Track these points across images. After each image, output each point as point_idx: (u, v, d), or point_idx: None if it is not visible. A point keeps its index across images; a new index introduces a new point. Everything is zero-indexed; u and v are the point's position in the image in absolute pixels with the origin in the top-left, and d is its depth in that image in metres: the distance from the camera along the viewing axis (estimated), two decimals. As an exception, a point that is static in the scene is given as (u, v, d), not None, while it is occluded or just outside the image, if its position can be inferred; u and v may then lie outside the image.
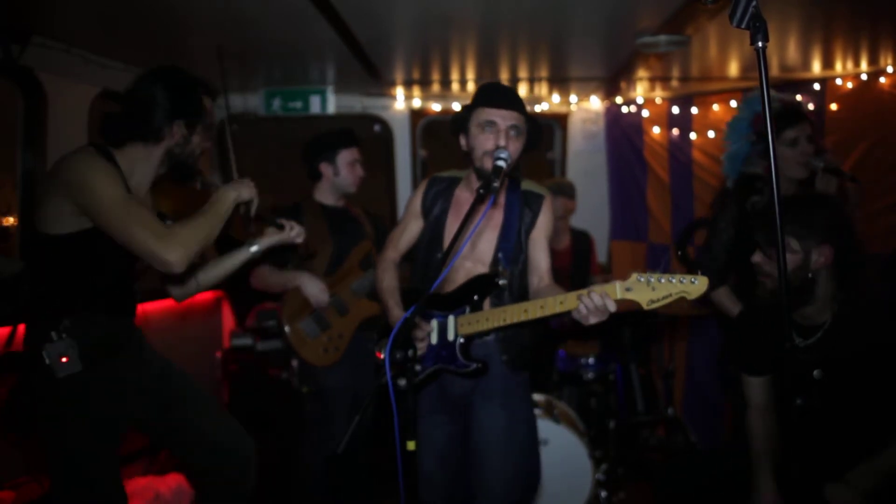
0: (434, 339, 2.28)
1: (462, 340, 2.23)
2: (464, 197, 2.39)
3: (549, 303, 2.03)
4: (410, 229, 2.48)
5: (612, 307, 1.88)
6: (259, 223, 2.47)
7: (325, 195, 3.32)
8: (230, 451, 2.35)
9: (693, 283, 1.83)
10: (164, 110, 2.11)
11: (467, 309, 2.24)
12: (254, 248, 2.48)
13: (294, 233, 2.53)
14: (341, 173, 3.26)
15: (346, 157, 3.26)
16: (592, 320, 1.91)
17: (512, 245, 2.28)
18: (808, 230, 2.07)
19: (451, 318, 2.26)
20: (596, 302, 1.88)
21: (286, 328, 3.17)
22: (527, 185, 2.38)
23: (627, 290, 1.88)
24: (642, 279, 1.85)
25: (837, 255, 2.08)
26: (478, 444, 2.29)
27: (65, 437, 2.05)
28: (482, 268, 2.29)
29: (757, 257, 2.21)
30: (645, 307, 1.87)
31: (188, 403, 2.33)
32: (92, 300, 2.08)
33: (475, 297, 2.23)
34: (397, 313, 2.33)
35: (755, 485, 2.27)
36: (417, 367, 2.29)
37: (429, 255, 2.39)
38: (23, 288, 3.07)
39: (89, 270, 2.09)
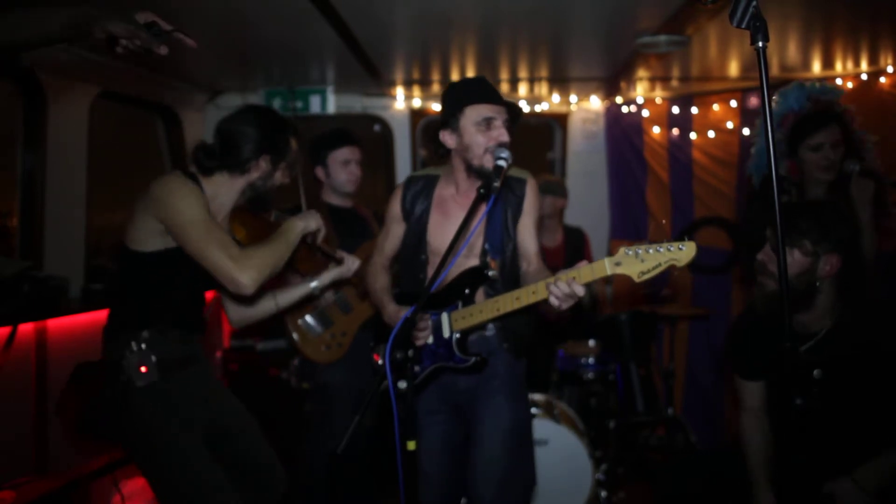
0: (430, 339, 2.28)
1: (458, 336, 2.22)
2: (447, 194, 2.37)
3: (524, 294, 2.03)
4: (394, 233, 2.46)
5: (580, 291, 1.86)
6: (319, 258, 2.57)
7: (329, 195, 3.34)
8: (265, 475, 2.43)
9: (681, 249, 1.77)
10: (253, 145, 2.24)
11: (459, 304, 2.23)
12: (313, 285, 2.58)
13: (354, 266, 2.61)
14: (332, 174, 3.26)
15: (337, 157, 3.25)
16: (564, 307, 1.91)
17: (498, 234, 2.28)
18: (824, 236, 2.05)
19: (444, 315, 2.25)
20: (563, 289, 1.87)
21: (289, 325, 3.18)
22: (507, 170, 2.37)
23: (617, 264, 1.85)
24: (630, 252, 1.82)
25: (844, 268, 2.07)
26: (482, 439, 2.28)
27: (152, 440, 2.16)
28: (475, 261, 2.28)
29: (763, 255, 2.18)
30: (636, 279, 1.83)
31: (237, 419, 2.43)
32: (169, 316, 2.21)
33: (466, 291, 2.22)
34: (392, 308, 2.33)
35: (755, 495, 2.26)
36: (416, 368, 2.28)
37: (414, 256, 2.38)
38: (23, 288, 3.08)
39: (169, 288, 2.21)
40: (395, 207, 2.44)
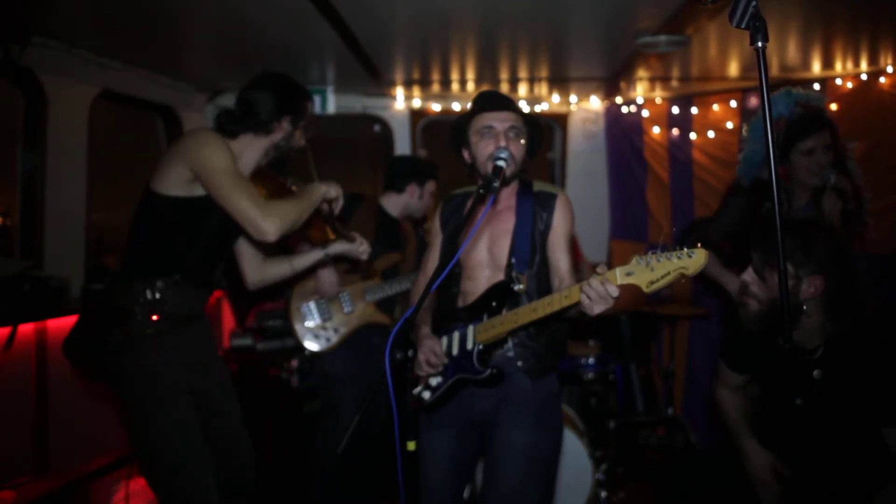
0: (455, 351, 2.28)
1: (480, 347, 2.22)
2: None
3: (556, 298, 2.00)
4: (436, 252, 2.48)
5: (615, 292, 1.84)
6: (333, 230, 2.65)
7: (391, 205, 3.49)
8: (238, 459, 2.47)
9: (690, 256, 1.72)
10: (274, 107, 2.35)
11: (485, 317, 2.23)
12: (324, 252, 2.73)
13: (362, 248, 2.73)
14: (424, 198, 3.53)
15: (431, 187, 3.55)
16: (597, 309, 1.87)
17: (525, 249, 2.26)
18: (806, 257, 2.02)
19: (469, 328, 2.25)
20: (597, 289, 1.84)
21: (292, 305, 3.28)
22: (539, 186, 2.36)
23: (628, 274, 1.82)
24: (641, 261, 1.80)
25: (830, 289, 2.03)
26: (495, 471, 2.24)
27: (145, 390, 2.19)
28: (502, 275, 2.28)
29: (747, 276, 2.15)
30: (646, 290, 1.80)
31: (225, 398, 2.49)
32: (183, 268, 2.25)
33: (494, 305, 2.23)
34: (424, 331, 2.34)
35: (743, 452, 2.28)
36: (439, 380, 2.29)
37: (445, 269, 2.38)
38: (23, 288, 3.08)
39: (187, 238, 2.27)
40: (436, 225, 2.48)
